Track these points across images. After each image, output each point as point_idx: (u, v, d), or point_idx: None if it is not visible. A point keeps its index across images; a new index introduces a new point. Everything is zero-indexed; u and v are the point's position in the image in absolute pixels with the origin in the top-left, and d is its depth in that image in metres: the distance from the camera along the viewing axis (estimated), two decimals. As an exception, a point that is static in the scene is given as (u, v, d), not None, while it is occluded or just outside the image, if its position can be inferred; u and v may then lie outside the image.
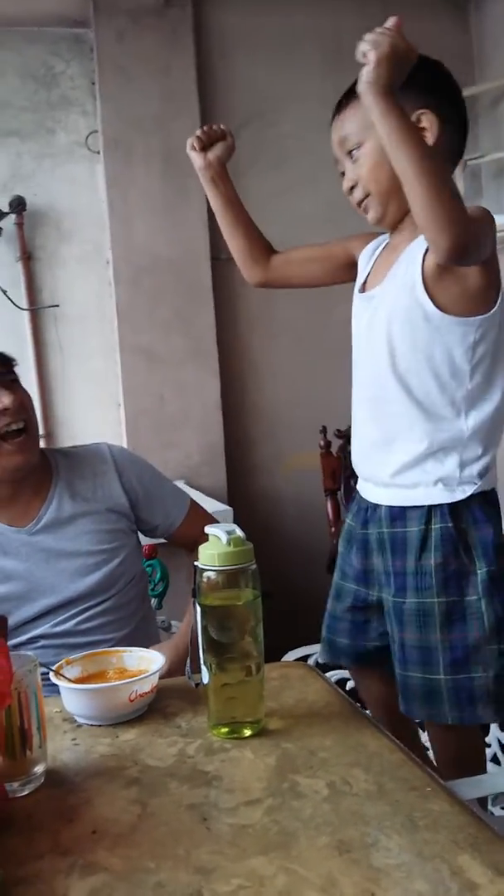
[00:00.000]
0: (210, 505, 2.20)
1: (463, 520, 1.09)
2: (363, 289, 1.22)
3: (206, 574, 0.92)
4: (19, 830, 0.75)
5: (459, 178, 2.84)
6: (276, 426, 2.80)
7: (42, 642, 1.26)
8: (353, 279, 1.26)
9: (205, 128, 1.28)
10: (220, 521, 1.04)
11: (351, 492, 2.35)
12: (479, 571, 1.07)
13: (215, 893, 0.63)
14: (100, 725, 0.97)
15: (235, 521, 1.26)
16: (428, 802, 0.74)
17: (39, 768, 0.84)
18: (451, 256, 0.97)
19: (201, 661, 0.93)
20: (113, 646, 1.22)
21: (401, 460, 1.12)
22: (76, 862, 0.68)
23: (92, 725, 0.97)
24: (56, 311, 2.62)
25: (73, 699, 0.97)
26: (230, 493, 2.65)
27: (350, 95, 1.12)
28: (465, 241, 0.95)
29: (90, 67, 2.63)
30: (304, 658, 1.52)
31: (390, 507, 1.13)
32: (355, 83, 1.06)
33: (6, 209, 2.53)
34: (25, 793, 0.82)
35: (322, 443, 2.37)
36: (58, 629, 1.27)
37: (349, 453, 2.38)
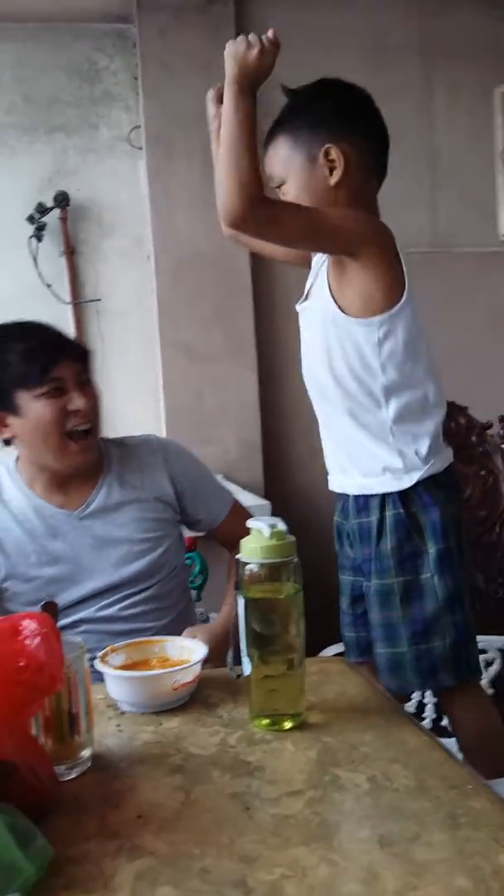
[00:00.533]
0: (247, 499, 2.22)
1: (413, 505, 1.20)
2: (305, 298, 1.32)
3: (248, 567, 0.93)
4: (67, 812, 0.77)
5: (500, 175, 2.82)
6: (313, 422, 2.78)
7: (85, 626, 1.29)
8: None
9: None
10: (261, 517, 1.06)
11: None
12: (429, 551, 1.18)
13: (259, 881, 0.64)
14: (143, 713, 0.99)
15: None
16: (469, 800, 0.74)
17: (86, 752, 0.86)
18: (225, 219, 1.13)
19: (243, 653, 0.94)
20: (153, 634, 1.25)
21: (349, 454, 1.25)
22: (123, 845, 0.70)
23: (135, 713, 0.99)
24: (98, 306, 2.65)
25: (117, 686, 0.99)
26: (266, 489, 2.66)
27: (269, 138, 1.26)
28: (240, 212, 1.09)
29: (133, 63, 2.65)
30: (342, 654, 1.52)
31: (356, 498, 1.24)
32: (273, 123, 1.25)
33: (51, 204, 2.57)
34: (72, 776, 0.84)
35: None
36: (101, 614, 1.30)
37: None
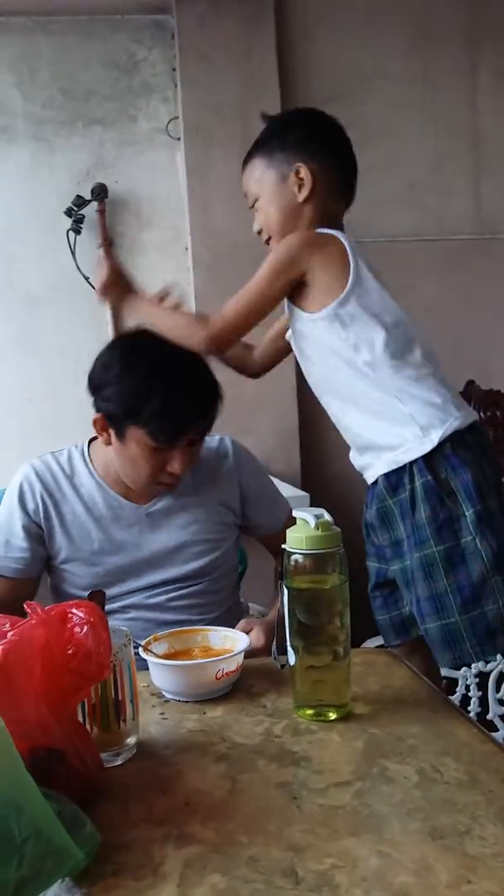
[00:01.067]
0: (286, 490, 2.21)
1: (442, 470, 1.18)
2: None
3: (293, 557, 0.93)
4: (115, 799, 0.77)
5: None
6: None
7: (133, 613, 1.30)
8: None
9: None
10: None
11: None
12: (466, 514, 1.16)
13: (309, 871, 0.63)
14: (186, 701, 0.99)
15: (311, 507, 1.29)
16: (522, 794, 0.73)
17: (132, 740, 0.86)
18: (206, 353, 1.29)
19: (287, 644, 0.94)
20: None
21: (369, 439, 1.26)
22: (171, 832, 0.70)
23: (179, 701, 0.99)
24: (135, 298, 2.66)
25: (161, 674, 1.00)
26: (304, 478, 2.65)
27: (247, 158, 1.35)
28: (204, 350, 1.27)
29: (171, 54, 2.65)
30: (383, 646, 1.51)
31: (387, 476, 1.23)
32: (252, 145, 1.35)
33: (89, 197, 2.58)
34: (119, 763, 0.84)
35: (399, 429, 2.34)
36: (150, 601, 1.31)
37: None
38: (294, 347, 1.36)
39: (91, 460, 1.37)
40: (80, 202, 2.57)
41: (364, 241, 2.68)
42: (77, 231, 2.58)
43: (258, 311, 1.27)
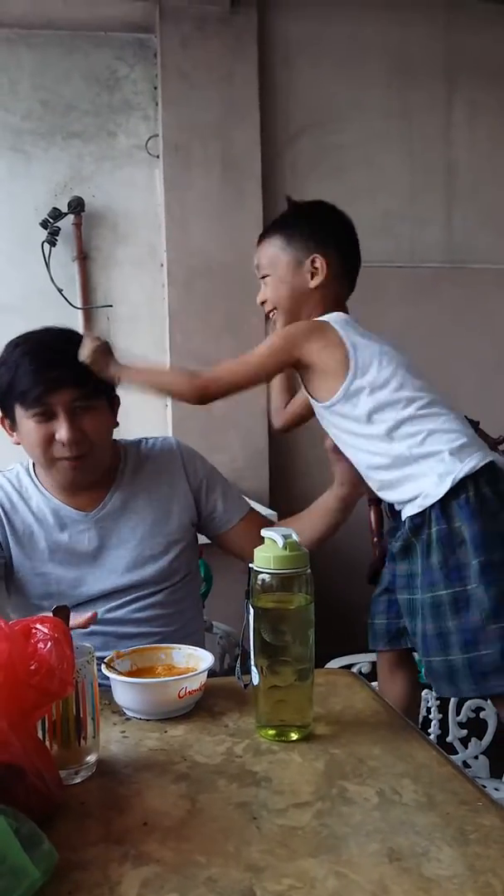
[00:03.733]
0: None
1: (456, 519, 1.25)
2: None
3: (260, 576, 0.93)
4: (73, 817, 0.76)
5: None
6: (319, 431, 2.80)
7: (92, 627, 1.28)
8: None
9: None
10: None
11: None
12: (472, 563, 1.23)
13: (266, 891, 0.63)
14: (148, 720, 0.98)
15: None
16: (479, 817, 0.74)
17: (92, 758, 0.85)
18: (195, 401, 1.34)
19: (252, 663, 0.94)
20: (160, 640, 1.25)
21: (390, 489, 1.33)
22: (128, 851, 0.70)
23: (140, 719, 0.99)
24: (109, 312, 2.66)
25: (123, 692, 0.99)
26: (272, 498, 2.66)
27: (266, 233, 1.43)
28: (198, 394, 1.33)
29: (153, 73, 2.67)
30: (348, 667, 1.52)
31: (411, 518, 1.29)
32: (273, 221, 1.45)
33: (65, 210, 2.58)
34: (78, 780, 0.83)
35: (368, 452, 2.36)
36: (110, 616, 1.30)
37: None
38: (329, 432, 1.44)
39: (36, 475, 1.37)
40: (57, 214, 2.57)
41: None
42: (52, 243, 2.58)
43: (248, 382, 1.37)
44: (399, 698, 1.37)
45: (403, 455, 1.28)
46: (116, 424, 1.38)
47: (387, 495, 1.35)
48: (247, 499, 2.29)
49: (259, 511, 1.59)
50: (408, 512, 1.31)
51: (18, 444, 1.33)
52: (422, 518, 1.28)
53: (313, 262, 1.38)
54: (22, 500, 1.35)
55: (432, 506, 1.25)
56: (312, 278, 1.38)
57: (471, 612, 1.22)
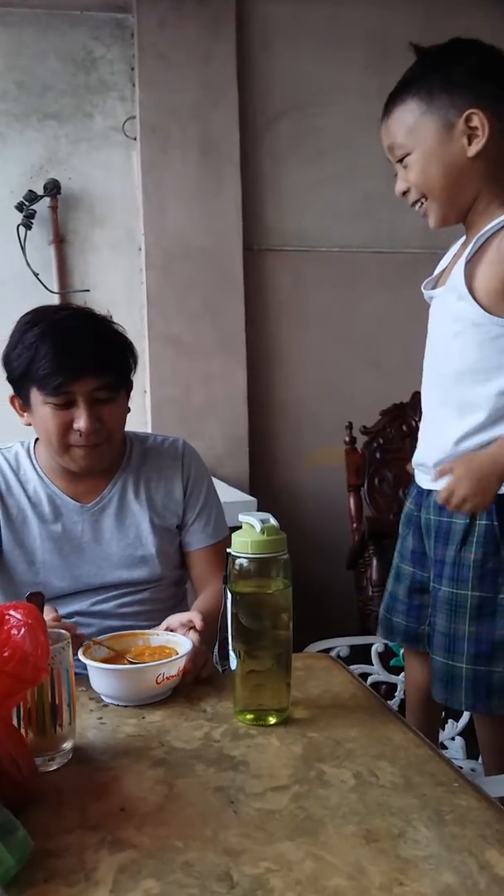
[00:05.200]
0: (234, 495, 2.21)
1: None
2: (435, 285, 1.25)
3: (238, 561, 0.93)
4: (48, 804, 0.76)
5: None
6: (301, 420, 2.80)
7: (77, 619, 1.27)
8: None
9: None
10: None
11: (374, 489, 2.35)
12: None
13: (244, 875, 0.63)
14: (126, 706, 0.98)
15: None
16: (455, 797, 0.74)
17: (68, 744, 0.85)
18: None
19: (229, 648, 0.93)
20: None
21: (451, 451, 1.15)
22: (105, 838, 0.69)
23: (118, 706, 0.98)
24: (86, 296, 2.62)
25: (100, 679, 0.98)
26: (252, 485, 2.66)
27: (394, 100, 1.14)
28: None
29: (130, 53, 2.63)
30: (326, 651, 1.52)
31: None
32: (399, 84, 1.14)
33: (41, 192, 2.54)
34: (54, 768, 0.83)
35: (347, 439, 2.36)
36: (95, 609, 1.29)
37: (374, 450, 2.39)
38: (437, 312, 1.20)
39: (36, 458, 1.35)
40: (32, 197, 2.52)
41: (319, 249, 2.74)
42: (28, 226, 2.53)
43: None
44: (417, 680, 1.29)
45: None
46: (129, 410, 1.34)
47: (432, 452, 1.16)
48: (225, 485, 2.29)
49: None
50: (440, 486, 1.13)
51: (29, 424, 1.29)
52: None
53: (468, 120, 1.06)
54: (19, 482, 1.32)
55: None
56: (470, 143, 1.07)
57: (495, 624, 1.09)
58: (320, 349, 2.78)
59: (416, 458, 1.26)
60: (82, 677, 1.01)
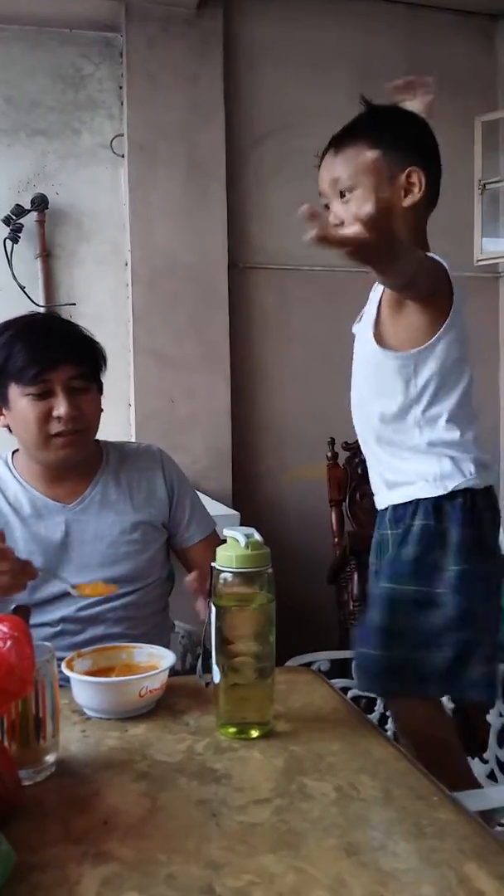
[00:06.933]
0: (216, 509, 2.22)
1: (445, 520, 1.16)
2: (359, 320, 1.33)
3: (222, 575, 0.93)
4: (31, 817, 0.76)
5: (477, 202, 2.88)
6: (283, 435, 2.82)
7: (63, 626, 1.28)
8: None
9: None
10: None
11: (355, 504, 2.37)
12: (450, 569, 1.14)
13: (226, 888, 0.64)
14: (109, 719, 0.98)
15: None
16: (434, 811, 0.75)
17: (51, 757, 0.85)
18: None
19: (213, 661, 0.94)
20: (128, 642, 1.24)
21: (390, 470, 1.24)
22: (88, 851, 0.70)
23: (101, 718, 0.98)
24: (72, 310, 2.64)
25: (84, 691, 0.98)
26: (235, 499, 2.67)
27: (346, 139, 1.22)
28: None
29: (118, 72, 2.66)
30: (308, 665, 1.53)
31: (395, 508, 1.22)
32: (351, 125, 1.24)
33: (28, 206, 2.55)
34: (37, 780, 0.83)
35: (329, 454, 2.39)
36: (81, 614, 1.29)
37: (356, 465, 2.41)
38: (357, 349, 1.29)
39: (15, 466, 1.37)
40: (20, 211, 2.54)
41: (302, 268, 2.77)
42: (15, 240, 2.55)
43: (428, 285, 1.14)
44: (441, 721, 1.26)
45: (425, 441, 1.18)
46: (102, 411, 1.38)
47: (379, 476, 1.24)
48: (209, 499, 2.30)
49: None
50: (395, 499, 1.21)
51: (6, 426, 1.33)
52: (405, 508, 1.20)
53: (409, 175, 1.18)
54: None
55: (422, 500, 1.17)
56: (405, 196, 1.18)
57: (431, 616, 1.14)
58: (303, 365, 2.81)
59: (372, 483, 1.32)
60: (65, 689, 1.01)
